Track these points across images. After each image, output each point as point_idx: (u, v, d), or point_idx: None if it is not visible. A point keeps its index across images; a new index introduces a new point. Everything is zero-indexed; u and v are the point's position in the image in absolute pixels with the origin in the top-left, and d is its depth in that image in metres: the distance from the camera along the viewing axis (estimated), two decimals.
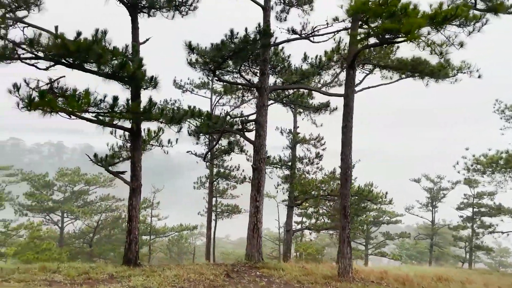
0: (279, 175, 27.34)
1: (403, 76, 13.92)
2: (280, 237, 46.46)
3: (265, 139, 12.72)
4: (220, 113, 14.46)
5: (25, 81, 8.14)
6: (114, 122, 9.38)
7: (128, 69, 8.67)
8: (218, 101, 25.29)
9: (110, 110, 8.61)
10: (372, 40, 10.71)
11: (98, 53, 8.25)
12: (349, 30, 12.99)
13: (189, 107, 11.02)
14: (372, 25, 8.49)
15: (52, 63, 8.98)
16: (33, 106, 7.46)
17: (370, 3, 7.67)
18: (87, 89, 8.39)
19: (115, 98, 8.63)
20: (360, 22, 10.31)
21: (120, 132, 12.38)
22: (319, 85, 16.49)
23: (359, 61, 14.81)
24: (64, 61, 8.85)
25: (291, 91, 17.64)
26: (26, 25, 9.18)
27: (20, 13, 8.90)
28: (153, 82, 9.49)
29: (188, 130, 15.17)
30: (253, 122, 14.49)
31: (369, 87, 13.53)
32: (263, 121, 12.60)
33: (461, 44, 9.28)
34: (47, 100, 7.46)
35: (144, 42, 10.67)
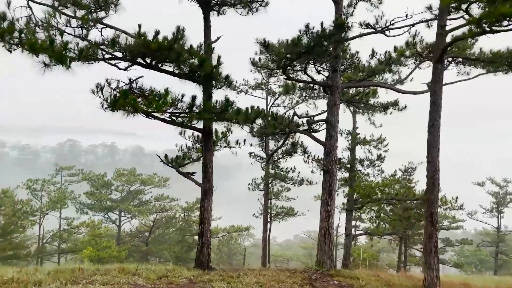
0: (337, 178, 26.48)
1: (484, 71, 12.75)
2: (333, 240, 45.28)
3: (336, 140, 12.08)
4: (284, 114, 14.00)
5: (107, 81, 8.09)
6: (186, 123, 9.16)
7: (206, 68, 8.39)
8: (274, 101, 24.91)
9: (189, 110, 8.36)
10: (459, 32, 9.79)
11: (178, 52, 8.02)
12: (429, 22, 12.11)
13: (253, 107, 10.58)
14: (474, 13, 7.63)
15: (130, 64, 8.92)
16: (118, 107, 7.35)
17: None
18: (167, 88, 8.20)
19: (193, 98, 8.38)
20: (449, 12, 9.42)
21: (189, 133, 12.27)
22: (390, 83, 15.56)
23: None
24: (142, 61, 8.74)
25: (353, 90, 16.85)
26: (104, 26, 9.17)
27: (95, 14, 8.89)
28: (227, 81, 9.16)
29: (252, 131, 14.84)
30: (319, 122, 13.88)
31: (451, 83, 12.49)
32: (334, 121, 11.96)
33: None
34: (131, 100, 7.32)
35: (216, 40, 10.41)
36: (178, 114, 9.33)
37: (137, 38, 7.79)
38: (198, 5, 10.28)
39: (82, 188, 40.22)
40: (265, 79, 24.91)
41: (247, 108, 9.28)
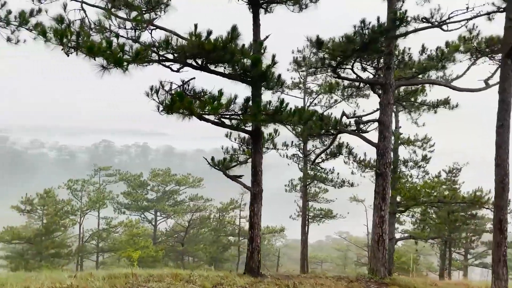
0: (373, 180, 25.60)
1: None
2: (369, 243, 44.19)
3: (390, 141, 11.48)
4: (330, 114, 13.45)
5: (161, 83, 7.89)
6: (239, 125, 8.85)
7: (260, 68, 8.04)
8: (313, 101, 24.37)
9: (242, 112, 8.05)
10: None
11: (232, 52, 7.72)
12: (491, 15, 11.31)
13: (303, 108, 10.13)
14: None
15: (181, 65, 8.71)
16: (175, 110, 7.12)
17: None
18: (221, 90, 7.92)
19: (247, 100, 8.06)
20: None
21: (234, 134, 12.00)
22: (440, 80, 14.75)
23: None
24: (194, 62, 8.51)
25: (401, 88, 16.11)
26: (154, 28, 9.00)
27: (148, 15, 8.72)
28: (279, 82, 8.78)
29: (297, 132, 14.43)
30: (368, 123, 13.30)
31: None
32: (388, 121, 11.37)
33: None
34: (187, 103, 7.07)
35: (265, 39, 10.06)
36: (228, 116, 9.05)
37: (191, 39, 7.54)
38: (246, 3, 9.95)
39: (119, 188, 41.01)
40: (303, 78, 24.42)
41: (300, 109, 8.87)
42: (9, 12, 10.01)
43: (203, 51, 7.60)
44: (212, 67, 8.96)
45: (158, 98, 7.54)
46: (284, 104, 8.22)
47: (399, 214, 24.26)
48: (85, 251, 34.78)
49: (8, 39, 9.86)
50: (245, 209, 36.69)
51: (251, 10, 10.28)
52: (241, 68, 8.16)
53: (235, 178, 11.02)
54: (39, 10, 10.12)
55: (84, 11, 8.18)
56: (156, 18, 8.67)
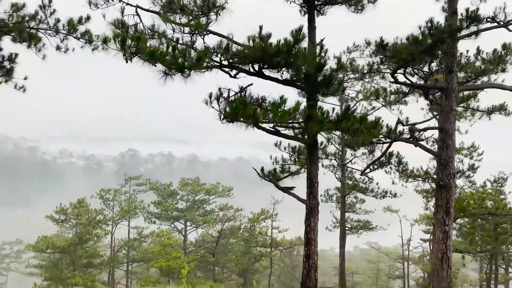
0: (417, 189, 24.54)
1: None
2: (404, 255, 42.54)
3: (453, 150, 10.64)
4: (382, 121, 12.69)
5: (219, 90, 7.41)
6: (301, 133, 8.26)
7: (324, 73, 7.46)
8: (353, 107, 23.56)
9: (305, 120, 7.46)
10: None
11: (295, 56, 7.17)
12: None
13: (362, 115, 9.46)
14: None
15: (236, 71, 8.23)
16: (239, 117, 6.62)
17: None
18: (282, 96, 7.37)
19: (311, 106, 7.47)
20: None
21: (284, 143, 11.45)
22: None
23: None
24: (251, 68, 8.01)
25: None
26: (207, 32, 8.57)
27: (205, 19, 8.29)
28: (340, 87, 8.17)
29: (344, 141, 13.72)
30: (423, 131, 12.50)
31: None
32: (451, 129, 10.55)
33: None
34: (251, 110, 6.55)
35: (320, 42, 9.49)
36: (286, 124, 8.50)
37: (254, 42, 7.03)
38: (302, 5, 9.42)
39: (149, 198, 41.04)
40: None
41: (364, 117, 8.21)
42: (58, 20, 9.83)
43: (266, 54, 7.08)
44: (266, 72, 8.50)
45: (219, 106, 7.05)
46: (350, 111, 7.58)
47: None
48: (116, 261, 34.75)
49: (58, 48, 9.66)
50: (277, 219, 35.94)
51: (302, 13, 9.77)
52: (304, 73, 7.58)
53: (287, 190, 10.42)
54: (88, 18, 9.91)
55: (139, 16, 7.83)
56: (211, 22, 8.22)
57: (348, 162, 22.53)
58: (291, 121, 7.86)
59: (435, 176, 21.80)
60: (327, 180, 26.68)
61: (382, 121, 8.98)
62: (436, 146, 17.57)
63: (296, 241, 37.26)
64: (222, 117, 6.94)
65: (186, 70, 6.31)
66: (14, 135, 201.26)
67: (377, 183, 23.27)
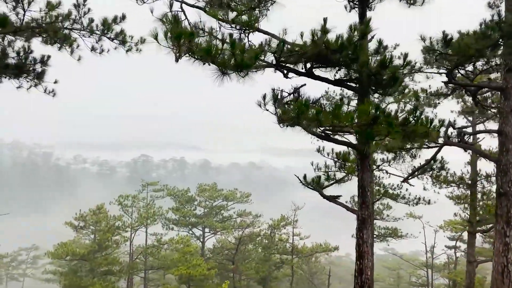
0: (449, 195, 23.54)
1: None
2: (428, 263, 41.28)
3: None
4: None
5: (273, 91, 6.76)
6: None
7: (388, 72, 6.76)
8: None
9: (370, 123, 6.76)
10: None
11: (357, 52, 6.50)
12: None
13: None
14: None
15: (285, 71, 7.58)
16: (301, 120, 5.96)
17: None
18: (342, 98, 6.68)
19: (377, 108, 6.76)
20: None
21: (328, 148, 10.77)
22: None
23: None
24: (303, 67, 7.35)
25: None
26: (251, 30, 7.94)
27: (256, 13, 7.66)
28: (403, 87, 7.45)
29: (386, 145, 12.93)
30: (476, 134, 11.67)
31: None
32: (511, 132, 9.74)
33: None
34: (315, 113, 5.89)
35: (370, 39, 8.80)
36: (341, 128, 7.81)
37: (314, 38, 6.37)
38: (353, 0, 8.76)
39: (166, 204, 40.59)
40: None
41: (429, 119, 7.47)
42: (91, 20, 9.32)
43: (327, 51, 6.41)
44: (316, 72, 7.84)
45: (276, 108, 6.40)
46: (418, 113, 6.86)
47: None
48: (135, 268, 34.26)
49: (93, 49, 9.14)
50: (298, 226, 35.11)
51: (348, 9, 9.10)
52: (368, 71, 6.89)
53: (333, 199, 9.74)
54: (123, 17, 9.39)
55: (184, 12, 7.25)
56: (261, 18, 7.59)
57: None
58: (349, 124, 7.14)
59: (469, 182, 20.90)
60: (349, 185, 25.92)
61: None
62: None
63: (317, 248, 36.37)
64: (279, 120, 6.29)
65: (244, 68, 5.68)
66: (28, 141, 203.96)
67: (407, 189, 22.38)
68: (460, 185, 20.48)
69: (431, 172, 16.68)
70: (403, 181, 14.74)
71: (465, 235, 38.54)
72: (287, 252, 34.94)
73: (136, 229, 34.18)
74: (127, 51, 9.85)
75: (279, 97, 6.73)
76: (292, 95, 7.13)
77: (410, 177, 14.34)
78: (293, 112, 6.00)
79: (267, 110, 6.58)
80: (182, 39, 5.46)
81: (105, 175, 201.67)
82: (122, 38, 9.69)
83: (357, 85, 8.10)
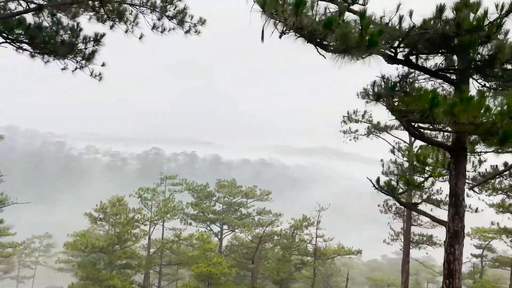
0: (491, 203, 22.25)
1: None
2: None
3: None
4: None
5: (383, 78, 5.67)
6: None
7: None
8: None
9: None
10: None
11: (492, 32, 5.37)
12: None
13: None
14: None
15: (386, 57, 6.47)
16: (435, 113, 4.87)
17: None
18: (461, 87, 5.57)
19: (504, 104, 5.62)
20: None
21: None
22: None
23: None
24: (413, 51, 6.24)
25: None
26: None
27: None
28: None
29: None
30: None
31: None
32: None
33: None
34: (452, 105, 4.79)
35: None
36: (442, 126, 6.69)
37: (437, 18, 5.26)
38: None
39: (184, 198, 39.77)
40: None
41: None
42: None
43: (457, 31, 5.30)
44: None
45: (391, 100, 5.31)
46: None
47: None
48: (153, 263, 33.52)
49: (154, 27, 8.14)
50: (321, 227, 33.98)
51: None
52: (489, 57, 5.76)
53: (414, 207, 8.68)
54: None
55: None
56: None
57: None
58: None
59: None
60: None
61: None
62: None
63: (339, 250, 35.26)
64: (392, 112, 5.21)
65: (372, 47, 4.60)
66: (43, 130, 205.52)
67: (447, 195, 21.16)
68: (509, 194, 19.20)
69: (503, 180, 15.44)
70: (470, 189, 13.52)
71: (493, 243, 37.22)
72: (308, 253, 33.88)
73: (155, 223, 33.42)
74: (186, 32, 8.84)
75: (390, 84, 5.64)
76: (399, 84, 6.03)
77: (479, 185, 13.15)
78: (422, 102, 4.92)
79: (376, 100, 5.49)
80: (301, 7, 4.40)
81: (116, 167, 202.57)
82: (181, 17, 8.68)
83: (457, 75, 7.00)
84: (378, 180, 9.08)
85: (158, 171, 45.38)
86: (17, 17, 7.59)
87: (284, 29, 4.90)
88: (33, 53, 9.05)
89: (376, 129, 22.18)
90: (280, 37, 5.02)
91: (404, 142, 21.80)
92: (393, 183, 8.99)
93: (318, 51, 5.19)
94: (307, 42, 5.16)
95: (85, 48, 8.37)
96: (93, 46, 8.39)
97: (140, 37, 8.06)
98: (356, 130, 22.62)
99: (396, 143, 22.43)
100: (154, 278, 40.00)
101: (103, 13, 8.36)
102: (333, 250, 34.44)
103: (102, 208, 30.51)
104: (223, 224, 38.85)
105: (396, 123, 21.91)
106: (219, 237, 38.84)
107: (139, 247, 35.79)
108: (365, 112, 22.47)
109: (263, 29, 5.55)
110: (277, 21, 4.86)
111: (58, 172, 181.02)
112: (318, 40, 4.94)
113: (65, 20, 8.89)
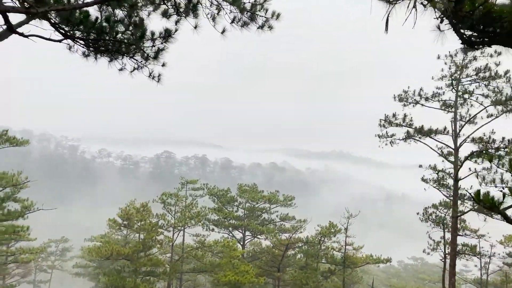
0: None
1: None
2: (482, 279, 38.41)
3: None
4: None
5: None
6: None
7: None
8: (466, 115, 20.46)
9: None
10: None
11: None
12: None
13: None
14: None
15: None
16: None
17: None
18: None
19: None
20: None
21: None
22: None
23: None
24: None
25: None
26: None
27: None
28: None
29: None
30: None
31: None
32: None
33: None
34: None
35: None
36: None
37: None
38: None
39: (204, 203, 38.93)
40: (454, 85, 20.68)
41: None
42: None
43: None
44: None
45: None
46: None
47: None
48: (178, 270, 32.69)
49: (233, 20, 7.27)
50: (350, 234, 32.80)
51: None
52: None
53: None
54: None
55: None
56: None
57: (463, 178, 19.39)
58: None
59: None
60: (425, 195, 23.58)
61: None
62: None
63: (368, 258, 34.04)
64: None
65: None
66: (56, 133, 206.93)
67: None
68: None
69: None
70: None
71: None
72: (337, 261, 32.73)
73: (179, 229, 32.63)
74: (258, 28, 7.98)
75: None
76: None
77: None
78: None
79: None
80: None
81: (129, 170, 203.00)
82: (255, 10, 7.83)
83: None
84: (478, 193, 8.08)
85: (170, 175, 44.72)
86: (83, 8, 6.79)
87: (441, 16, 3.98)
88: (87, 52, 8.30)
89: (419, 133, 21.12)
90: (448, 18, 4.11)
91: (449, 147, 20.73)
92: (496, 197, 8.00)
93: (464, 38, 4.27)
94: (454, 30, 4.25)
95: (153, 46, 7.55)
96: (162, 43, 7.57)
97: (222, 32, 7.20)
98: (393, 135, 21.66)
99: (438, 148, 21.28)
100: (175, 285, 39.20)
101: (170, 6, 7.54)
102: (362, 258, 33.22)
103: (127, 214, 29.80)
104: (245, 230, 37.96)
105: (441, 126, 20.76)
106: (241, 243, 37.93)
107: (162, 254, 35.02)
108: (405, 115, 21.49)
109: (387, 18, 4.71)
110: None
111: (73, 176, 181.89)
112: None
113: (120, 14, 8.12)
